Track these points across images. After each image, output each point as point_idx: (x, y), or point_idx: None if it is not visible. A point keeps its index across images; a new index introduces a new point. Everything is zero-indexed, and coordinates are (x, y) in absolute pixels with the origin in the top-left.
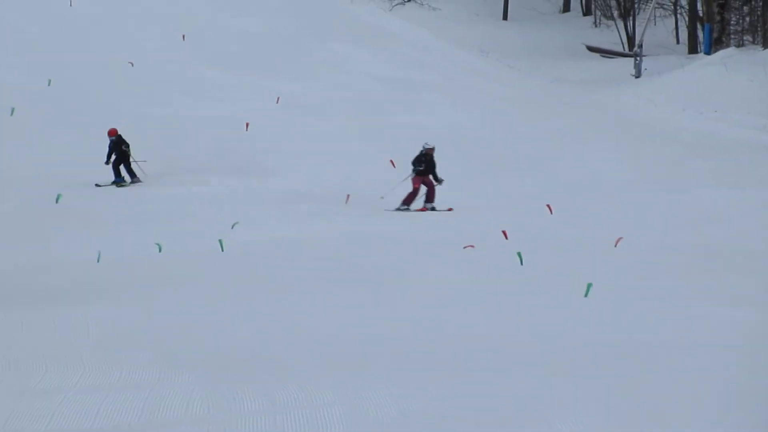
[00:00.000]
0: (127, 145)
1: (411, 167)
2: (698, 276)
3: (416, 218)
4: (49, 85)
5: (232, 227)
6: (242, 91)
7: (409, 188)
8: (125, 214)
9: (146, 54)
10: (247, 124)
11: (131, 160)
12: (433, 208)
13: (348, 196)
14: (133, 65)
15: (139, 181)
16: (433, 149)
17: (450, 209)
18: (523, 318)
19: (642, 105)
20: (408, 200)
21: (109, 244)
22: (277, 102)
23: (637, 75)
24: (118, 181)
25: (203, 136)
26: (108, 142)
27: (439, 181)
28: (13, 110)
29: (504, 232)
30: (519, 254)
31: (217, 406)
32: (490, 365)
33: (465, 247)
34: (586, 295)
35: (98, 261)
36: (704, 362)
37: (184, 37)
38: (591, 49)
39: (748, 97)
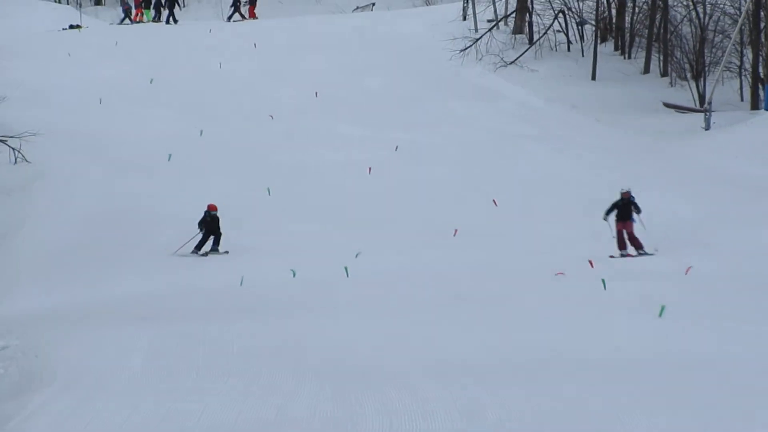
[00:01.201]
0: (220, 231)
1: (605, 215)
2: (758, 300)
3: (510, 248)
4: (201, 135)
5: (356, 256)
6: (366, 140)
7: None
8: (263, 245)
9: (283, 108)
10: (370, 169)
11: (214, 248)
12: (645, 253)
13: (456, 230)
14: (273, 118)
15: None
16: (628, 192)
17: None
18: (604, 334)
19: (710, 154)
20: (622, 245)
21: (250, 270)
22: (396, 150)
23: (707, 128)
24: (195, 253)
25: (333, 178)
26: (204, 213)
27: (638, 211)
28: (170, 156)
29: (590, 262)
30: (603, 280)
31: (341, 408)
32: (577, 376)
33: (557, 274)
34: (660, 315)
35: (241, 284)
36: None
37: (317, 94)
38: (667, 105)
39: None
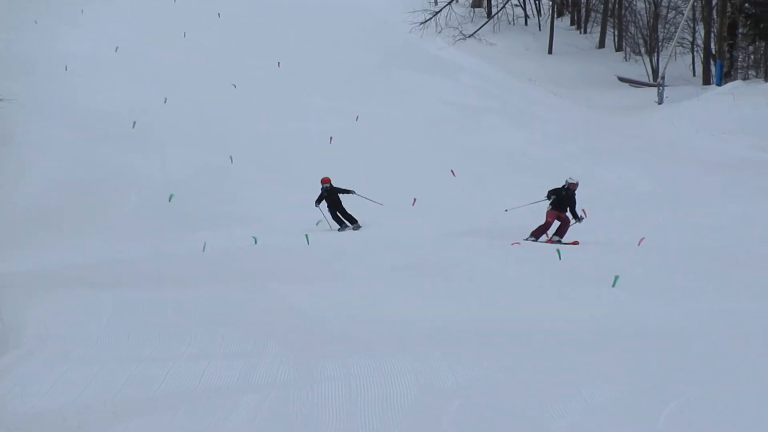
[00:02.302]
0: (346, 191)
1: (546, 197)
2: (710, 273)
3: (468, 217)
4: (165, 102)
5: (317, 224)
6: (327, 110)
7: (541, 220)
8: (226, 212)
9: (247, 78)
10: (331, 138)
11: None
12: (559, 241)
13: (414, 199)
14: (236, 87)
15: (348, 227)
16: (576, 185)
17: (575, 242)
18: (559, 303)
19: (663, 128)
20: (537, 233)
21: (213, 237)
22: (357, 120)
23: (660, 102)
24: (341, 228)
25: (295, 148)
26: (321, 188)
27: (578, 219)
28: (134, 123)
29: (547, 233)
30: (558, 250)
31: (301, 373)
32: (534, 344)
33: (513, 244)
34: (613, 286)
35: (204, 251)
36: (709, 344)
37: (279, 64)
38: (622, 79)
39: (752, 123)
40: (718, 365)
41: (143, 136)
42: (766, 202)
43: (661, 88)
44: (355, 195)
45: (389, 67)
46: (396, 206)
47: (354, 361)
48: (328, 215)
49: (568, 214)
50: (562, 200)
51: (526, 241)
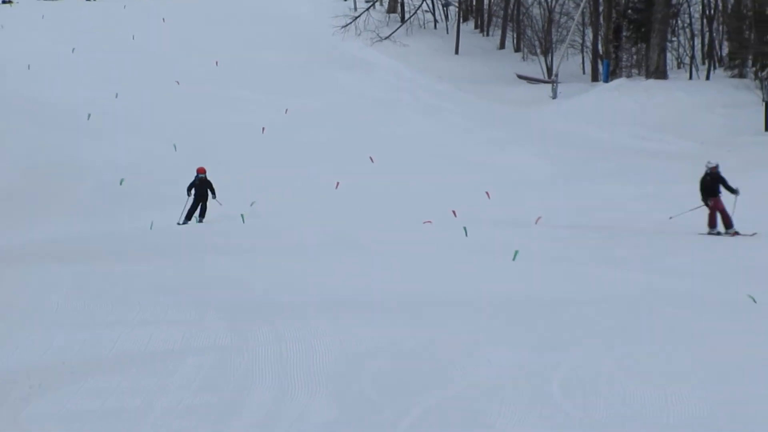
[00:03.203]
0: (213, 192)
1: (701, 200)
2: (598, 247)
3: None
4: (116, 97)
5: (251, 205)
6: (260, 104)
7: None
8: (171, 194)
9: (188, 75)
10: (263, 129)
11: (211, 199)
12: (736, 232)
13: (338, 183)
14: (179, 83)
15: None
16: (716, 166)
17: (754, 233)
18: (463, 275)
19: (557, 119)
20: (712, 222)
21: (159, 217)
22: (286, 113)
23: (554, 97)
24: (184, 222)
25: (231, 138)
26: (194, 177)
27: (734, 191)
28: (89, 115)
29: (454, 212)
30: (465, 228)
31: (237, 338)
32: (444, 310)
33: (425, 222)
34: (513, 259)
35: (151, 228)
36: (598, 310)
37: (217, 63)
38: (520, 77)
39: (634, 115)
40: (605, 328)
41: (97, 127)
42: (646, 184)
43: (555, 84)
44: (215, 199)
45: (314, 65)
46: (321, 188)
47: (284, 325)
48: (190, 203)
49: (722, 196)
50: (711, 185)
51: (705, 235)
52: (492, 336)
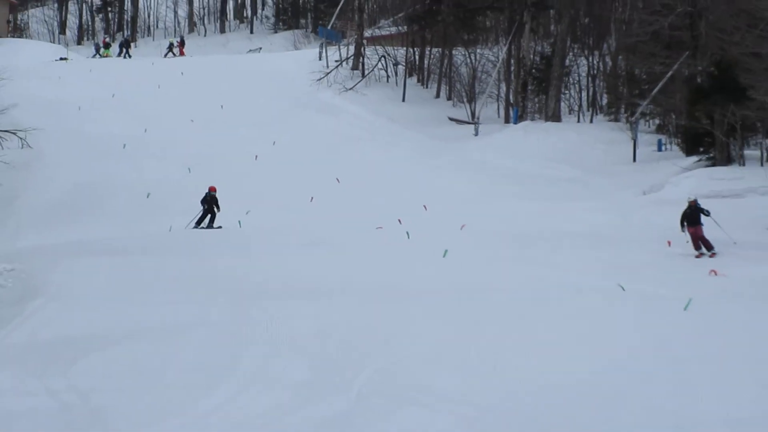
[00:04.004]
0: (218, 207)
1: (680, 227)
2: (510, 249)
3: (347, 211)
4: (145, 131)
5: (246, 213)
6: (254, 138)
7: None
8: (186, 205)
9: (200, 116)
10: (256, 156)
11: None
12: (714, 253)
13: (312, 198)
14: (193, 122)
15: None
16: (695, 201)
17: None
18: (406, 269)
19: (478, 152)
20: (698, 247)
21: (177, 223)
22: (274, 144)
23: (476, 134)
24: (195, 227)
25: (232, 164)
26: (206, 193)
27: (708, 214)
28: (124, 145)
29: (399, 220)
30: (407, 233)
31: (235, 315)
32: (384, 297)
33: (377, 228)
34: (444, 257)
35: (170, 231)
36: (508, 297)
37: (222, 106)
38: (451, 119)
39: (536, 149)
40: (514, 310)
41: (130, 154)
42: (545, 201)
43: (476, 125)
44: (217, 213)
45: (296, 109)
46: (300, 202)
47: (270, 306)
48: (200, 214)
49: (701, 225)
50: (691, 217)
51: (697, 257)
52: (426, 315)
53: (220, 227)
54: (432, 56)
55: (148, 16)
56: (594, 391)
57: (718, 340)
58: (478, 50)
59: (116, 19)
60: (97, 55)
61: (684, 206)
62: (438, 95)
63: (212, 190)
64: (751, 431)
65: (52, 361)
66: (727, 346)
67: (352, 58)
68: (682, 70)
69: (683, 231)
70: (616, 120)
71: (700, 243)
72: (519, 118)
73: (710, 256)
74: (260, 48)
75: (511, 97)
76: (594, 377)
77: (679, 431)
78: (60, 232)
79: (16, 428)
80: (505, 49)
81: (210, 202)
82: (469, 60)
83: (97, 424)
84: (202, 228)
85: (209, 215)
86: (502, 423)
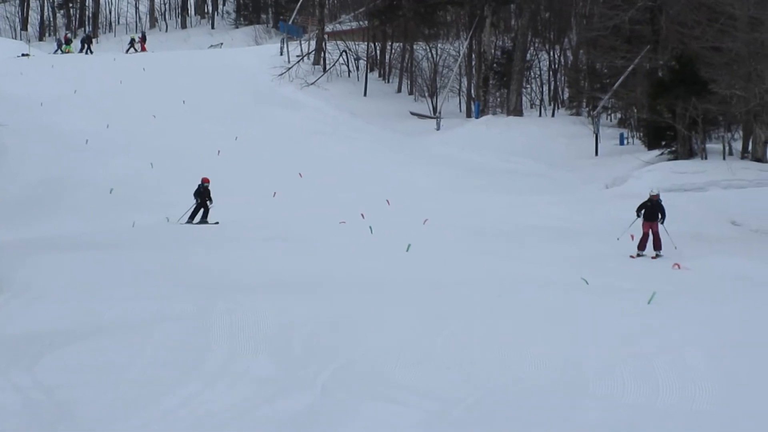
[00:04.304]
0: (210, 199)
1: (636, 214)
2: (473, 242)
3: (310, 205)
4: (107, 127)
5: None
6: (216, 133)
7: (638, 233)
8: (149, 200)
9: (162, 110)
10: (219, 151)
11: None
12: (659, 255)
13: (275, 192)
14: (155, 117)
15: (191, 223)
16: (657, 195)
17: (679, 266)
18: (370, 263)
19: (440, 146)
20: (642, 245)
21: (139, 217)
22: (236, 140)
23: (438, 128)
24: (188, 221)
25: (194, 158)
26: (198, 185)
27: (663, 219)
28: (87, 141)
29: (362, 214)
30: (370, 227)
31: (200, 308)
32: (354, 290)
33: (340, 222)
34: (407, 251)
35: (133, 226)
36: (471, 289)
37: (184, 101)
38: (413, 113)
39: (498, 143)
40: (476, 303)
41: (93, 149)
42: (508, 194)
43: (438, 119)
44: (210, 207)
45: (258, 104)
46: (262, 196)
47: (235, 299)
48: (193, 207)
49: (659, 223)
50: (650, 211)
51: (634, 258)
52: (391, 309)
53: (216, 223)
54: (393, 51)
55: (110, 12)
56: (556, 385)
57: (681, 333)
58: (439, 45)
59: (78, 15)
60: (59, 51)
61: (646, 198)
62: (399, 90)
63: (205, 181)
64: (711, 424)
65: (16, 357)
66: (690, 340)
67: (314, 53)
68: (643, 64)
69: (638, 218)
70: (578, 114)
71: (646, 243)
72: (480, 113)
73: (653, 257)
74: (221, 43)
75: (472, 91)
76: (556, 371)
77: (637, 426)
78: (25, 228)
79: None
80: (466, 43)
81: (203, 195)
82: (430, 55)
83: (64, 420)
84: (195, 223)
85: (202, 209)
86: (467, 417)
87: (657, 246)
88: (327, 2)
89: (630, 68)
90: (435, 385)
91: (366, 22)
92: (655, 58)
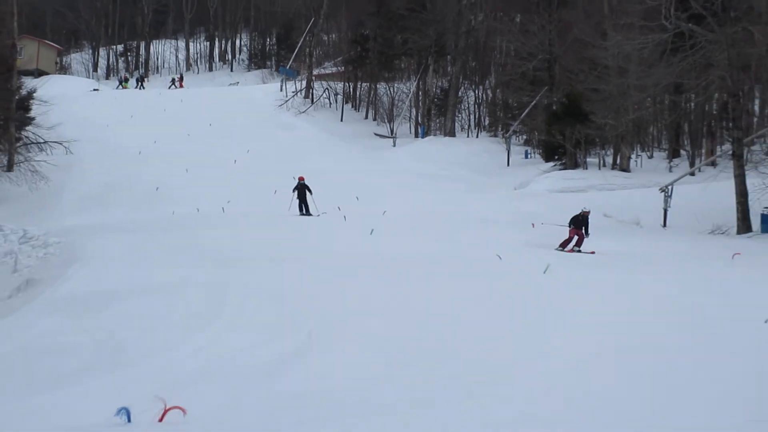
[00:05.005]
0: (310, 190)
1: (568, 223)
2: (422, 227)
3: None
4: (155, 142)
5: (228, 202)
6: (233, 147)
7: (566, 235)
8: (185, 195)
9: (195, 130)
10: (235, 160)
11: (306, 209)
12: (579, 251)
13: (276, 190)
14: (189, 135)
15: (309, 215)
16: (588, 212)
17: (593, 252)
18: (343, 243)
19: (396, 158)
20: (564, 244)
21: (178, 208)
22: (248, 152)
23: (394, 145)
24: (303, 214)
25: (218, 165)
26: (297, 183)
27: (587, 234)
28: (140, 152)
29: (339, 207)
30: (344, 216)
31: (218, 276)
32: (325, 259)
33: (322, 213)
34: (371, 234)
35: (173, 215)
36: (419, 262)
37: (210, 124)
38: (376, 134)
39: (437, 156)
40: (423, 273)
41: (143, 158)
42: (444, 193)
43: (394, 138)
44: (311, 196)
45: (264, 127)
46: (265, 194)
47: (244, 269)
48: (296, 202)
49: (583, 231)
50: (579, 222)
51: (556, 250)
52: (359, 276)
53: (318, 215)
54: (362, 88)
55: (157, 59)
56: (471, 324)
57: (568, 296)
58: (395, 84)
59: (134, 61)
60: (120, 87)
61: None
62: (366, 117)
63: (301, 179)
64: (589, 365)
65: (87, 308)
66: (577, 302)
67: (304, 89)
68: (543, 100)
69: (569, 227)
70: (495, 136)
71: (567, 244)
72: (425, 134)
73: (568, 251)
74: (238, 82)
75: (419, 118)
76: (475, 314)
77: (515, 365)
78: (93, 215)
79: (63, 356)
80: (414, 84)
81: (301, 190)
82: (389, 91)
83: (120, 353)
84: (303, 215)
85: (304, 203)
86: (415, 354)
87: (579, 243)
88: (314, 53)
89: (533, 103)
90: (393, 331)
91: (343, 68)
92: (551, 96)
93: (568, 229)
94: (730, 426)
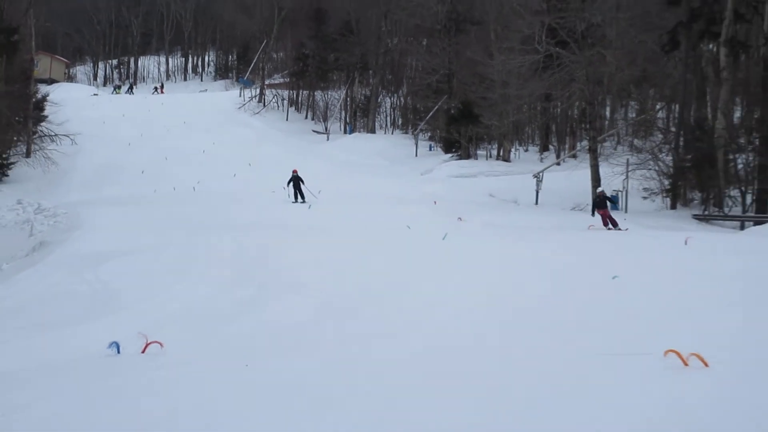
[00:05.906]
0: (302, 181)
1: (592, 209)
2: (362, 209)
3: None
4: (141, 136)
5: (198, 183)
6: (202, 140)
7: (601, 218)
8: (164, 177)
9: (172, 126)
10: (204, 151)
11: (301, 190)
12: (618, 228)
13: (235, 174)
14: (168, 130)
15: (304, 202)
16: (602, 192)
17: (626, 229)
18: (289, 215)
19: (331, 150)
20: (605, 223)
21: (159, 186)
22: (213, 144)
23: (328, 140)
24: (301, 201)
25: (190, 154)
26: (291, 176)
27: (612, 200)
28: (129, 144)
29: (284, 187)
30: (309, 206)
31: (185, 241)
32: (294, 229)
33: (272, 192)
34: (309, 209)
35: (155, 192)
36: (348, 230)
37: (185, 122)
38: (314, 131)
39: (362, 148)
40: (352, 237)
41: (133, 148)
42: (368, 178)
43: (328, 134)
44: (304, 186)
45: (227, 124)
46: (228, 177)
47: (209, 235)
48: (292, 191)
49: (608, 208)
50: (600, 203)
51: (603, 229)
52: (301, 240)
53: (310, 206)
54: (303, 95)
55: (143, 70)
56: (392, 286)
57: (462, 256)
58: (329, 92)
59: (125, 72)
60: (114, 92)
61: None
62: (306, 117)
63: (294, 172)
64: (482, 309)
65: (86, 264)
66: (469, 261)
67: (258, 95)
68: (443, 105)
69: (593, 215)
70: (406, 133)
71: (608, 220)
72: (352, 131)
73: (608, 229)
74: (206, 89)
75: (347, 118)
76: (390, 275)
77: (421, 310)
78: (92, 192)
79: (69, 302)
80: (344, 91)
81: (295, 181)
82: (324, 97)
83: (114, 300)
84: (299, 203)
85: (299, 192)
86: (341, 301)
87: (613, 223)
88: (266, 67)
89: (436, 107)
90: (326, 284)
91: (288, 79)
92: (450, 102)
93: (595, 216)
94: (587, 345)
